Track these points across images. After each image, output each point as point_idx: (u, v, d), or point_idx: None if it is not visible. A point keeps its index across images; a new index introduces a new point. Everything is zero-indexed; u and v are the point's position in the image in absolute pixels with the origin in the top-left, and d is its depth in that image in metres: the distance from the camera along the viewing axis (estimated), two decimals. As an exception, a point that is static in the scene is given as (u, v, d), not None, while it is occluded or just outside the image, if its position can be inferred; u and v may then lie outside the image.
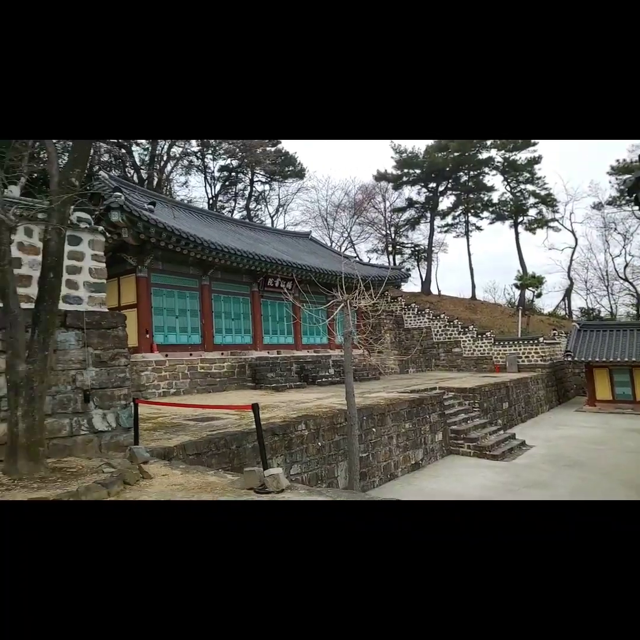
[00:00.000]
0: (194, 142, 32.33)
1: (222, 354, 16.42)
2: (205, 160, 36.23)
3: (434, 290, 39.81)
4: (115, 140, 27.97)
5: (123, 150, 29.16)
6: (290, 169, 40.38)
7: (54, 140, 5.89)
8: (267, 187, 41.29)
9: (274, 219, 41.75)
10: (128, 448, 6.40)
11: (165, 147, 30.97)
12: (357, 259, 30.38)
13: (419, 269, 42.80)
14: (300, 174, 41.16)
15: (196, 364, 15.14)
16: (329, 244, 36.21)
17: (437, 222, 42.18)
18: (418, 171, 40.48)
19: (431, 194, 41.60)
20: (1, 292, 4.92)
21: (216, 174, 37.78)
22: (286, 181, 41.16)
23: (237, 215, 37.32)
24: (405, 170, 41.00)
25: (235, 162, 36.80)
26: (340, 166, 59.04)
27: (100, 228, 6.99)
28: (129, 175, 29.61)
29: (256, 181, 40.00)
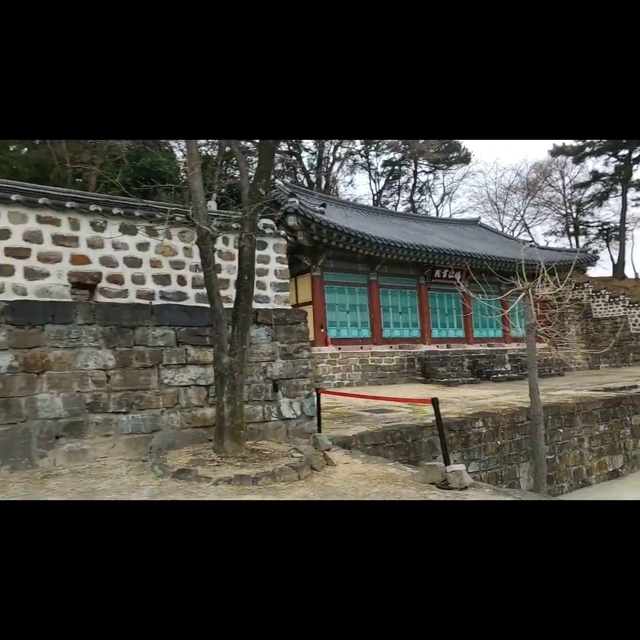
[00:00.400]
0: (357, 141, 33.15)
1: (391, 347, 16.57)
2: (369, 157, 36.89)
3: (629, 273, 34.54)
4: (287, 149, 30.14)
5: (294, 157, 31.30)
6: (455, 155, 38.81)
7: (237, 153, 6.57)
8: (431, 176, 40.37)
9: (439, 208, 40.68)
10: (312, 435, 6.85)
11: (331, 149, 32.35)
12: (532, 242, 27.88)
13: (608, 250, 37.55)
14: (465, 159, 39.31)
15: (367, 357, 15.55)
16: (500, 229, 33.90)
17: (631, 194, 36.39)
18: (604, 139, 35.45)
19: (622, 163, 36.08)
20: (208, 295, 5.68)
21: (380, 170, 38.22)
22: (451, 168, 39.69)
23: (401, 209, 37.24)
24: (588, 140, 36.24)
25: (398, 156, 36.73)
26: (509, 146, 54.67)
27: (283, 232, 7.60)
28: (299, 180, 31.66)
29: (419, 172, 39.39)
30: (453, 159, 38.86)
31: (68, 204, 5.96)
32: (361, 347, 15.79)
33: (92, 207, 6.10)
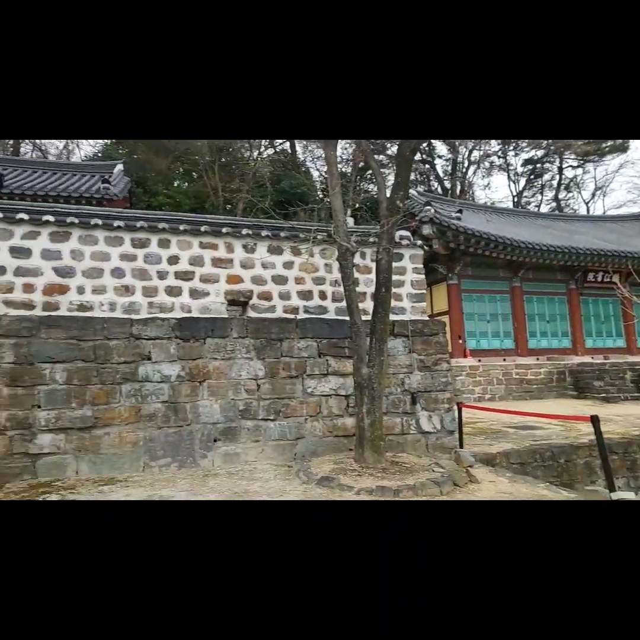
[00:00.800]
0: (493, 141, 31.62)
1: (538, 359, 15.37)
2: (507, 157, 34.90)
3: None
4: (420, 157, 29.87)
5: (427, 165, 30.89)
6: (609, 144, 34.84)
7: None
8: (579, 171, 36.74)
9: (589, 205, 36.81)
10: (453, 450, 6.66)
11: (466, 153, 31.29)
12: None
13: None
14: (622, 147, 35.04)
15: (510, 370, 14.62)
16: (669, 224, 29.49)
17: None
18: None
19: None
20: (348, 308, 5.88)
21: (519, 170, 35.91)
22: (604, 159, 35.73)
23: (545, 209, 34.49)
24: None
25: (540, 152, 34.19)
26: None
27: (419, 242, 7.56)
28: (433, 188, 31.13)
29: (565, 167, 36.13)
30: (606, 148, 34.92)
31: (224, 230, 6.67)
32: (504, 359, 14.89)
33: (244, 231, 6.73)
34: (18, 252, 5.98)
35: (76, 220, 6.16)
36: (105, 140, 26.32)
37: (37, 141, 27.14)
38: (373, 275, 6.19)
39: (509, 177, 36.02)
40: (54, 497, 4.85)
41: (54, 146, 28.41)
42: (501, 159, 34.89)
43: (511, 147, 33.50)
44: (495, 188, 48.43)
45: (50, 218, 6.07)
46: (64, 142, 28.62)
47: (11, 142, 25.47)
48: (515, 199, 35.57)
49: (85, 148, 29.16)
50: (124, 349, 5.94)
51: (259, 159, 24.53)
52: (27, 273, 5.97)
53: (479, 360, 14.42)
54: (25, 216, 5.99)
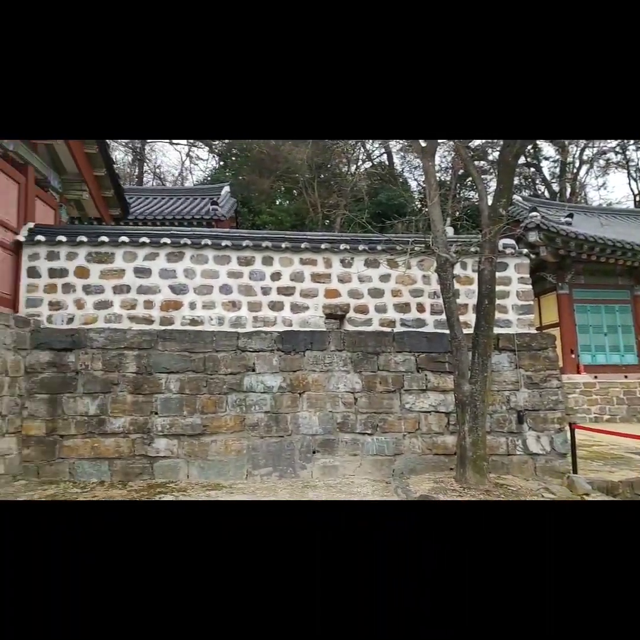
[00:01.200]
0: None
1: (668, 376, 13.70)
2: (627, 153, 31.83)
3: None
4: (524, 161, 28.34)
5: (532, 168, 29.19)
6: None
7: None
8: None
9: None
10: (566, 475, 6.16)
11: (577, 152, 29.07)
12: None
13: None
14: None
15: (634, 388, 13.18)
16: None
17: None
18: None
19: None
20: (448, 321, 5.71)
21: (642, 165, 32.53)
22: None
23: (674, 208, 30.88)
24: None
25: (667, 145, 30.73)
26: None
27: (525, 251, 7.15)
28: (539, 192, 29.31)
29: (700, 160, 32.09)
30: None
31: (323, 246, 6.85)
32: (625, 376, 13.48)
33: (342, 246, 6.85)
34: (141, 272, 6.63)
35: (189, 242, 6.69)
36: (214, 165, 28.36)
37: (157, 170, 29.95)
38: (475, 286, 5.96)
39: (628, 174, 32.77)
40: (168, 498, 5.24)
41: (170, 174, 31.19)
42: (619, 155, 31.93)
43: (631, 142, 30.53)
44: (612, 188, 44.13)
45: (167, 240, 6.66)
46: (179, 170, 31.30)
47: (137, 172, 28.38)
48: (637, 198, 32.28)
49: (197, 173, 31.63)
50: (231, 361, 6.30)
51: (356, 173, 24.84)
52: (147, 291, 6.59)
53: (595, 377, 13.19)
54: (146, 239, 6.64)
